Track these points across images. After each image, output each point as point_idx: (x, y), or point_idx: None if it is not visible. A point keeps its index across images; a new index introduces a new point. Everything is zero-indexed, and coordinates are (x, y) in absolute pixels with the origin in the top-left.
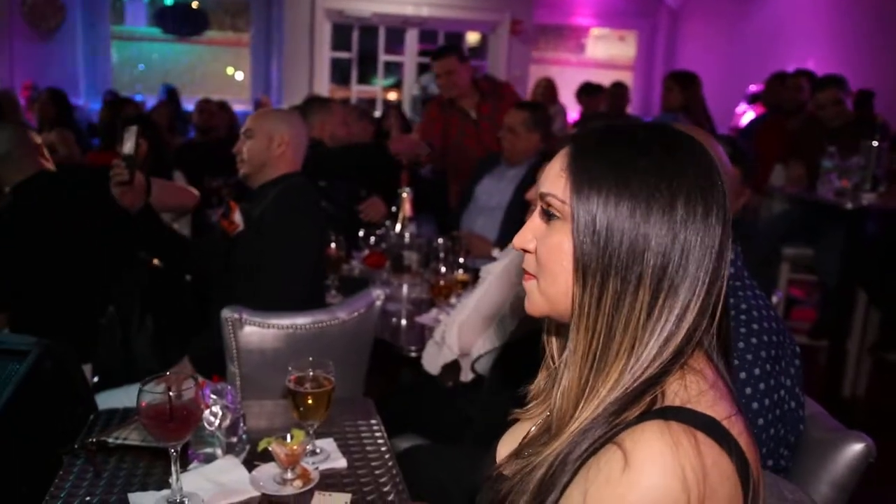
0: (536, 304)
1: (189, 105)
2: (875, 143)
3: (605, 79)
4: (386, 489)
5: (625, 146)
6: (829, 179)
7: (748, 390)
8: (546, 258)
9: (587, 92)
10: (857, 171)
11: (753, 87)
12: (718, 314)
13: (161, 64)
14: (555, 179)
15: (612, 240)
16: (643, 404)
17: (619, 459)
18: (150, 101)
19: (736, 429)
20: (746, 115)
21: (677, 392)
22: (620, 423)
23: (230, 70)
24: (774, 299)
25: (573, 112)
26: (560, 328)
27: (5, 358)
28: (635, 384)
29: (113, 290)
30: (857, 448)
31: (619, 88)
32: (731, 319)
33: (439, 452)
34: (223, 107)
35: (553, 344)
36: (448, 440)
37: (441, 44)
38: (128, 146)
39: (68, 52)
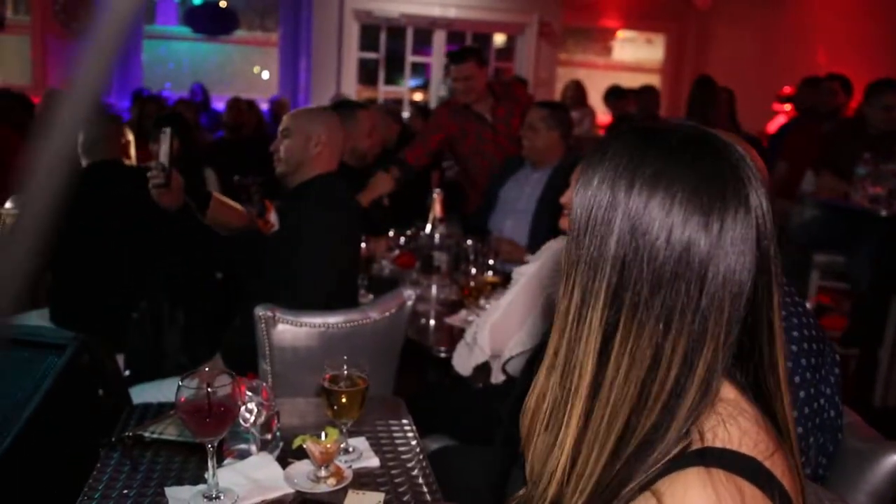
0: None
1: (217, 103)
2: None
3: (632, 82)
4: (421, 490)
5: (636, 140)
6: (863, 186)
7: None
8: None
9: (615, 95)
10: (891, 178)
11: (787, 90)
12: (734, 332)
13: (191, 63)
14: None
15: (583, 239)
16: (676, 442)
17: None
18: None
19: (779, 468)
20: (777, 119)
21: (716, 430)
22: (655, 464)
23: (256, 69)
24: (808, 306)
25: (602, 115)
26: None
27: (44, 351)
28: (631, 431)
29: (146, 285)
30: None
31: (649, 92)
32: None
33: (469, 453)
34: (252, 106)
35: None
36: (477, 441)
37: (465, 45)
38: (163, 149)
39: None
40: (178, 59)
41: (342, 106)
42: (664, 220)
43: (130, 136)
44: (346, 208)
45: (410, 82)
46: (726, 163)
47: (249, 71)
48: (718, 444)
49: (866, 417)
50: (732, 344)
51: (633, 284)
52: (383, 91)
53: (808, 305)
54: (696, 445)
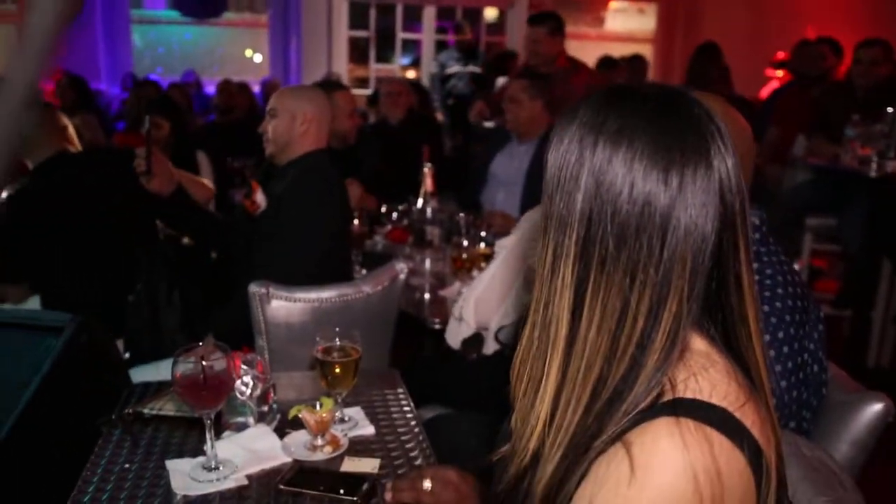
0: None
1: (209, 87)
2: None
3: (624, 52)
4: (413, 454)
5: (607, 98)
6: (852, 148)
7: (771, 353)
8: None
9: (606, 65)
10: (880, 139)
11: (781, 55)
12: (698, 285)
13: (181, 47)
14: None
15: (555, 195)
16: (646, 394)
17: (625, 465)
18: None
19: (749, 418)
20: (771, 84)
21: (687, 381)
22: (626, 416)
23: (248, 52)
24: (797, 266)
25: None
26: None
27: (42, 334)
28: (602, 382)
29: (141, 267)
30: (876, 408)
31: (637, 60)
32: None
33: (463, 420)
34: (243, 88)
35: None
36: (473, 409)
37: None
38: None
39: (88, 37)
40: (168, 44)
41: (321, 87)
42: (626, 175)
43: (66, 121)
44: (330, 186)
45: (402, 60)
46: (689, 118)
47: (240, 53)
48: (689, 396)
49: (860, 378)
50: (698, 296)
51: (599, 239)
52: (374, 69)
53: (800, 268)
54: (668, 397)
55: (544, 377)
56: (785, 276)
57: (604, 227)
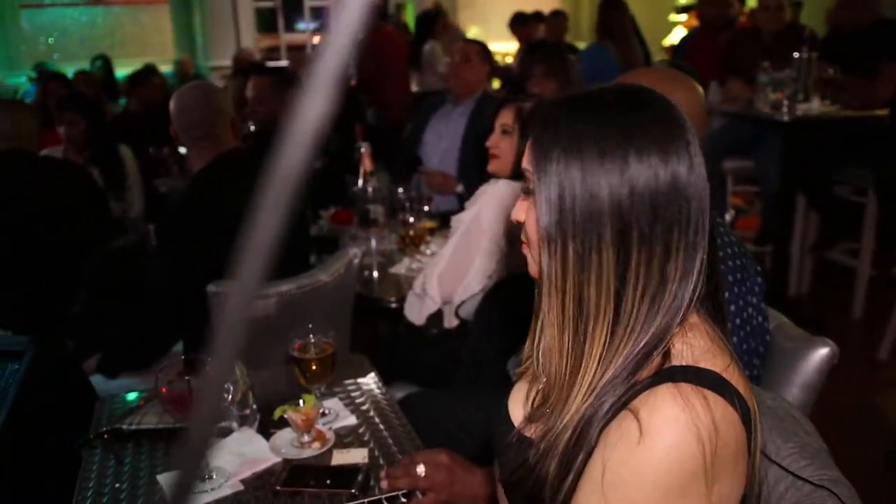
0: (535, 270)
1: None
2: (805, 55)
3: (537, 3)
4: (398, 439)
5: (579, 111)
6: (765, 93)
7: None
8: (530, 229)
9: (520, 22)
10: (789, 84)
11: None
12: (705, 261)
13: (77, 30)
14: (528, 153)
15: (565, 205)
16: (653, 365)
17: (635, 428)
18: (69, 71)
19: (734, 377)
20: (677, 30)
21: (682, 351)
22: (634, 386)
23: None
24: (728, 217)
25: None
26: None
27: (2, 359)
28: (637, 343)
29: (81, 277)
30: (823, 353)
31: (557, 16)
32: None
33: (435, 397)
34: (153, 72)
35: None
36: (438, 384)
37: None
38: None
39: None
40: (62, 28)
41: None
42: (651, 165)
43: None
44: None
45: (310, 25)
46: (660, 102)
47: (142, 34)
48: (683, 363)
49: (782, 308)
50: (708, 256)
51: (636, 222)
52: (285, 39)
53: (729, 219)
54: (667, 364)
55: (585, 356)
56: (722, 237)
57: (637, 211)
